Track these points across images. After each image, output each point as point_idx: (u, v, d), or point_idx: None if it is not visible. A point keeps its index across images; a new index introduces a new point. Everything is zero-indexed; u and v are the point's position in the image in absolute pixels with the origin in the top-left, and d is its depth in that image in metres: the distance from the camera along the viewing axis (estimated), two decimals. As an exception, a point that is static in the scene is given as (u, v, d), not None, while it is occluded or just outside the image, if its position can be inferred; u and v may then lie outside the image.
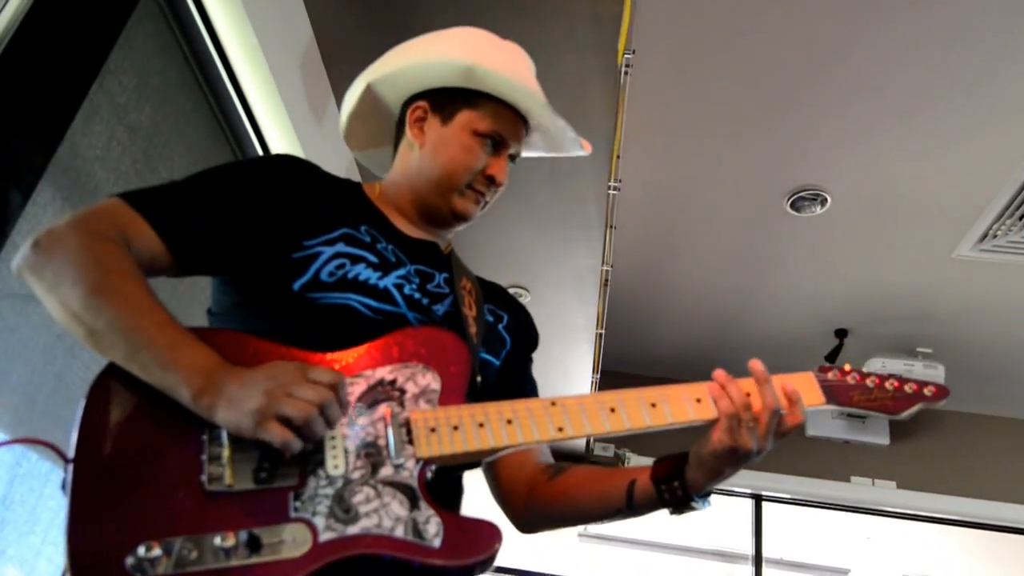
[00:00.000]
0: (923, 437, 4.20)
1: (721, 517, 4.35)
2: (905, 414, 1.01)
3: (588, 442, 3.90)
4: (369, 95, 1.23)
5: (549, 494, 1.11)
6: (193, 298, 1.87)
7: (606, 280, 2.96)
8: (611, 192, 2.55)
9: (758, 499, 4.15)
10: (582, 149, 1.27)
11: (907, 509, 4.09)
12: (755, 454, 0.95)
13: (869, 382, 1.03)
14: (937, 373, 3.61)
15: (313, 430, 0.81)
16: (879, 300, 3.49)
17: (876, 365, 3.64)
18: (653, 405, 0.95)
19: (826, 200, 2.95)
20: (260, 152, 2.25)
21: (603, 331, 3.21)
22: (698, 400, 0.96)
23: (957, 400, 4.17)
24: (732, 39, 2.33)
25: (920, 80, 2.38)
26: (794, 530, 4.61)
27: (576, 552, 4.64)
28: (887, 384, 1.03)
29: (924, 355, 3.61)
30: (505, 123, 1.15)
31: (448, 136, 1.14)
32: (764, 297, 3.60)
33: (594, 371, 3.45)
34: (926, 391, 1.02)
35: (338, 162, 2.50)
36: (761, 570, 4.02)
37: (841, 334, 3.72)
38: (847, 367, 1.03)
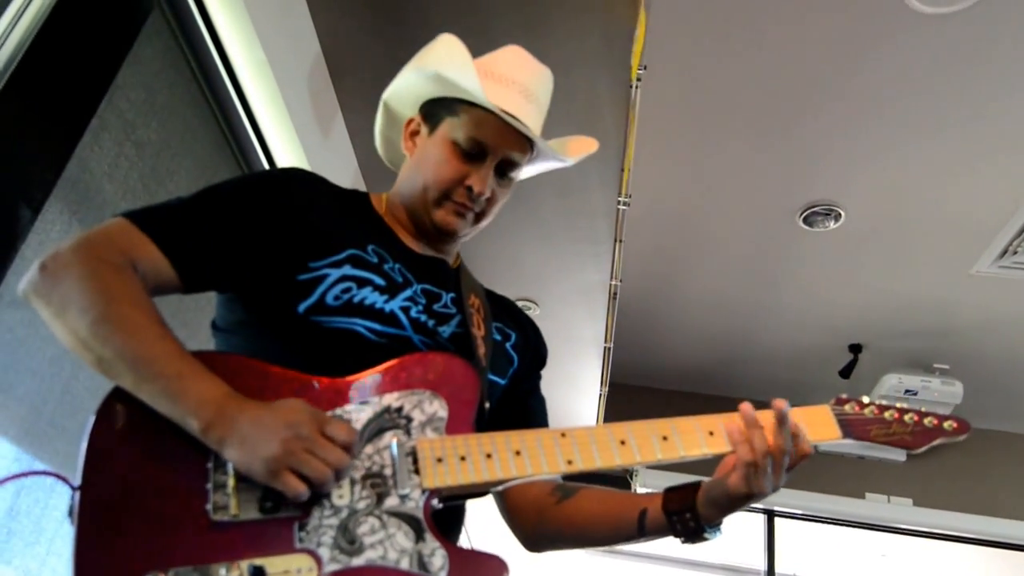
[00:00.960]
0: (940, 454, 4.10)
1: (733, 532, 4.30)
2: (924, 448, 0.99)
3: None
4: (386, 114, 1.23)
5: (558, 518, 1.09)
6: (199, 310, 1.87)
7: (615, 294, 2.95)
8: (620, 207, 2.54)
9: (771, 515, 4.10)
10: (568, 159, 1.21)
11: (923, 527, 4.04)
12: (771, 492, 0.94)
13: (888, 415, 0.99)
14: (955, 390, 3.55)
15: (325, 489, 0.81)
16: (895, 315, 3.45)
17: (892, 381, 3.59)
18: (664, 438, 0.93)
19: (840, 215, 2.92)
20: (266, 164, 2.25)
21: (611, 345, 3.19)
22: (711, 433, 0.94)
23: (975, 417, 4.09)
24: (743, 55, 2.31)
25: (938, 96, 2.35)
26: (807, 547, 4.56)
27: (585, 566, 4.62)
28: (906, 417, 1.00)
29: (941, 371, 3.56)
30: (489, 130, 1.09)
31: (430, 147, 1.12)
32: (776, 312, 3.57)
33: (602, 384, 3.43)
34: (946, 425, 0.99)
35: (344, 176, 2.50)
36: (773, 587, 3.98)
37: (856, 349, 3.67)
38: (864, 399, 1.00)
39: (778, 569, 4.05)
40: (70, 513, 0.78)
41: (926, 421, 0.99)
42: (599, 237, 2.73)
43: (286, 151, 2.27)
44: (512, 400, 1.16)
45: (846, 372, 3.61)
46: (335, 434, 0.82)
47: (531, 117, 1.13)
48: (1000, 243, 2.92)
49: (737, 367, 3.83)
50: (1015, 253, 2.97)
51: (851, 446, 3.81)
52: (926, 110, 2.42)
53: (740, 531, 4.25)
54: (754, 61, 2.33)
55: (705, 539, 0.98)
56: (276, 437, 0.79)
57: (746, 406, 0.94)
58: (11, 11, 1.31)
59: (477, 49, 1.16)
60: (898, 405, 1.01)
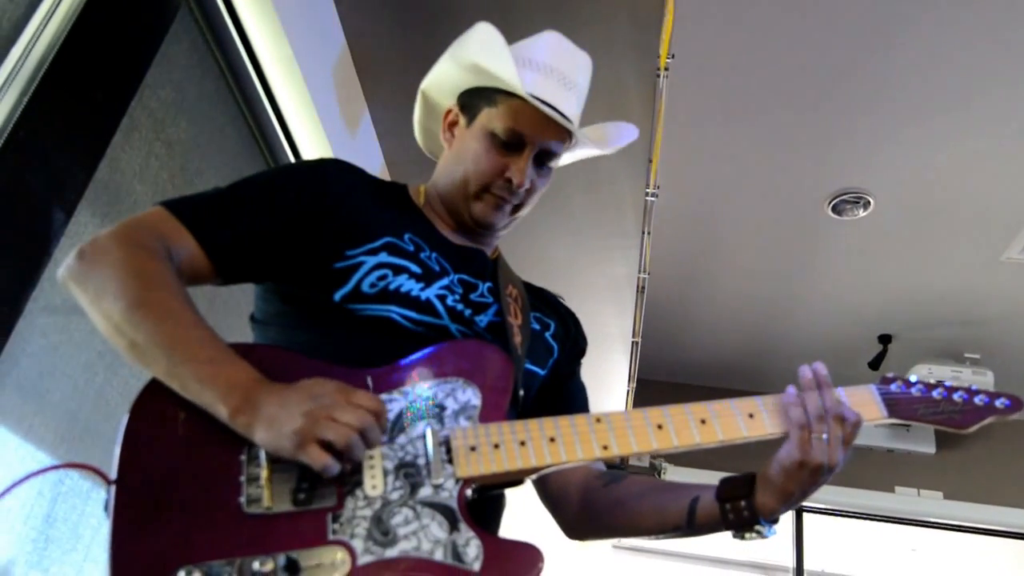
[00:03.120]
0: (971, 446, 4.10)
1: (761, 528, 4.29)
2: (973, 428, 0.94)
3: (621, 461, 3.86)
4: (424, 104, 1.21)
5: (604, 502, 1.07)
6: (232, 309, 1.87)
7: (642, 288, 2.93)
8: (648, 199, 2.52)
9: (799, 510, 4.07)
10: (624, 138, 1.20)
11: (954, 520, 4.00)
12: (826, 470, 0.89)
13: (936, 394, 0.95)
14: (986, 380, 3.51)
15: (353, 454, 0.80)
16: (924, 305, 3.43)
17: (922, 371, 3.55)
18: (703, 421, 0.90)
19: (869, 203, 2.89)
20: (294, 161, 2.25)
21: (639, 340, 3.17)
22: (751, 415, 0.91)
23: (1007, 408, 4.06)
24: (770, 42, 2.30)
25: (965, 79, 2.33)
26: (836, 542, 4.54)
27: (611, 563, 4.61)
28: (956, 396, 0.95)
29: (972, 360, 3.52)
30: (526, 120, 1.07)
31: (468, 139, 1.11)
32: (805, 302, 3.55)
33: (630, 380, 3.41)
34: (998, 403, 0.95)
35: (370, 171, 2.50)
36: (803, 583, 3.95)
37: (885, 340, 3.64)
38: (912, 378, 0.96)
39: (807, 565, 4.01)
40: (106, 507, 0.79)
41: (977, 399, 0.95)
42: (627, 230, 2.71)
43: (313, 147, 2.27)
44: (552, 389, 1.15)
45: (875, 363, 3.57)
46: (360, 400, 0.81)
47: (570, 105, 1.11)
48: (1031, 230, 2.89)
49: (765, 361, 3.81)
50: (1047, 239, 2.94)
51: (881, 437, 3.76)
52: (954, 94, 2.40)
53: (768, 527, 4.24)
54: (780, 48, 2.31)
55: (758, 533, 0.93)
56: (299, 410, 0.79)
57: (804, 368, 0.92)
58: (41, 12, 1.32)
59: (505, 37, 1.14)
60: (947, 383, 0.96)
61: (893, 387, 0.96)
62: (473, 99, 1.12)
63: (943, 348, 3.59)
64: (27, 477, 0.83)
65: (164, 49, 1.64)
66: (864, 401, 0.94)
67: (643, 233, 2.68)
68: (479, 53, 1.08)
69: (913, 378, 0.96)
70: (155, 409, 0.84)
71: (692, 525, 0.97)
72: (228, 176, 2.01)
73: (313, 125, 2.19)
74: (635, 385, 3.45)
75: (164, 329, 0.85)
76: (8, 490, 0.80)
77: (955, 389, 0.96)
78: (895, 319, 3.52)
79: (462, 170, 1.09)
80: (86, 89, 1.40)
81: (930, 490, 4.00)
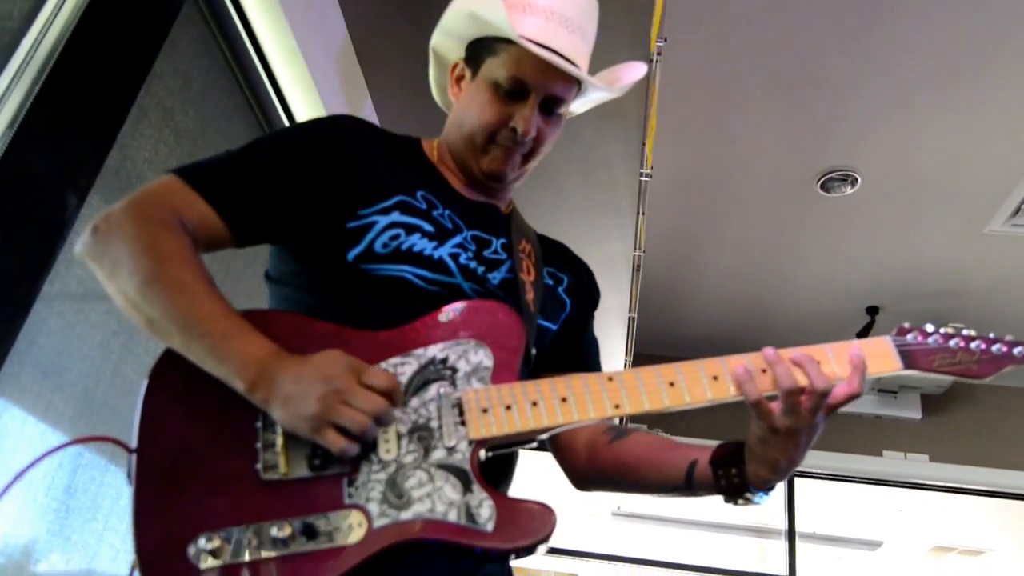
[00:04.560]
0: (955, 411, 4.20)
1: (753, 493, 4.39)
2: (991, 377, 0.91)
3: (622, 419, 3.95)
4: (435, 63, 1.19)
5: (609, 458, 1.07)
6: (248, 266, 1.90)
7: (638, 265, 3.00)
8: (643, 180, 2.57)
9: (791, 475, 4.19)
10: (632, 76, 1.14)
11: (939, 481, 4.11)
12: (803, 434, 0.87)
13: (953, 343, 0.92)
14: (970, 348, 3.59)
15: (368, 437, 0.81)
16: (911, 277, 3.50)
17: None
18: (715, 378, 0.89)
19: (856, 180, 2.95)
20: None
21: (635, 315, 3.25)
22: (764, 371, 0.88)
23: (989, 374, 4.17)
24: (758, 26, 2.33)
25: (949, 56, 2.38)
26: (827, 505, 4.63)
27: (610, 530, 4.71)
28: (973, 345, 0.91)
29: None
30: (529, 67, 1.03)
31: (473, 91, 1.08)
32: (795, 277, 3.61)
33: (626, 354, 3.49)
34: (1016, 352, 0.91)
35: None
36: (794, 545, 4.06)
37: (872, 311, 3.72)
38: (929, 328, 0.93)
39: (798, 527, 4.12)
40: (128, 476, 0.81)
41: (994, 348, 0.91)
42: (622, 210, 2.77)
43: (318, 136, 2.31)
44: (565, 343, 1.14)
45: (863, 334, 3.66)
46: (374, 382, 0.82)
47: (575, 48, 1.06)
48: (1013, 201, 2.96)
49: (758, 334, 3.88)
50: (1029, 211, 3.00)
51: (869, 404, 3.85)
52: (937, 74, 2.45)
53: (761, 492, 4.34)
54: (769, 32, 2.35)
55: (748, 500, 0.94)
56: (315, 394, 0.80)
57: (767, 349, 0.89)
58: (50, 5, 1.34)
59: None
60: (964, 332, 0.92)
61: (909, 337, 0.92)
62: (477, 51, 1.09)
63: (928, 318, 3.56)
64: (51, 451, 0.86)
65: (171, 39, 1.66)
66: (881, 352, 0.91)
67: (638, 213, 2.74)
68: (473, 1, 1.06)
69: (930, 328, 0.93)
70: (171, 379, 0.85)
71: (691, 486, 0.98)
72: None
73: (316, 114, 2.23)
74: (632, 359, 3.53)
75: (178, 304, 0.85)
76: (34, 463, 0.83)
77: (972, 338, 0.92)
78: (882, 291, 3.60)
79: (468, 123, 1.08)
80: (96, 79, 1.42)
81: (916, 453, 4.11)
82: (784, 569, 4.03)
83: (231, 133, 2.05)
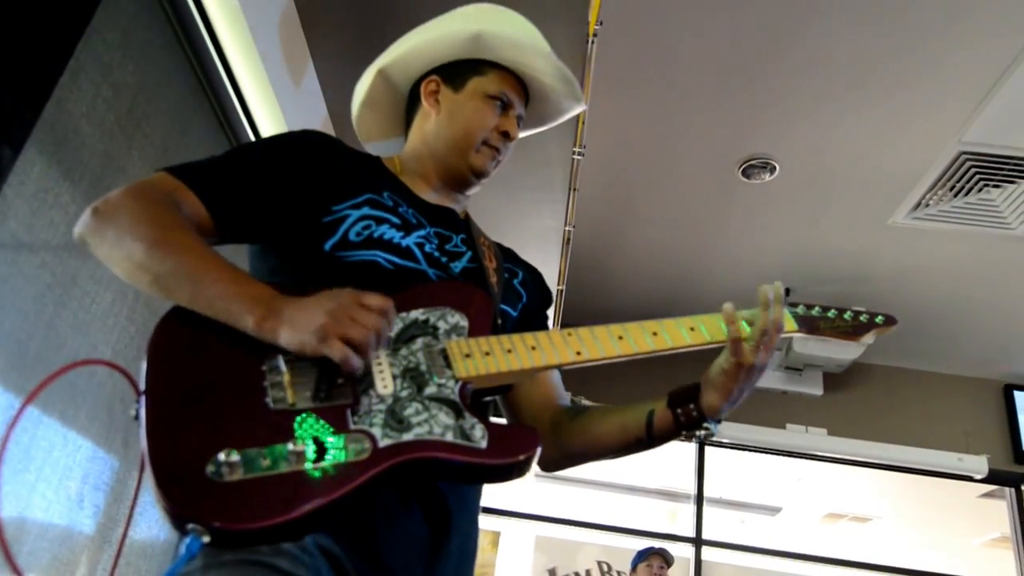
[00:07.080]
0: (853, 388, 4.48)
1: (666, 460, 4.59)
2: (864, 339, 1.17)
3: (573, 401, 4.06)
4: (380, 82, 1.31)
5: (573, 432, 1.17)
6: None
7: (568, 239, 3.10)
8: (575, 157, 2.66)
9: (701, 443, 4.40)
10: (581, 103, 1.34)
11: (836, 453, 4.36)
12: (759, 370, 1.04)
13: (831, 314, 1.17)
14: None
15: (369, 352, 0.90)
16: (820, 262, 3.69)
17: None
18: (655, 333, 1.06)
19: (775, 168, 3.11)
20: (239, 109, 2.30)
21: (564, 288, 3.36)
22: (692, 328, 1.08)
23: (884, 355, 4.45)
24: (692, 16, 2.43)
25: (863, 56, 2.53)
26: (733, 472, 4.91)
27: (533, 491, 4.88)
28: (846, 315, 1.17)
29: (858, 313, 3.84)
30: (510, 86, 1.25)
31: (461, 101, 1.24)
32: (716, 257, 3.77)
33: (555, 325, 3.61)
34: (878, 319, 1.18)
35: (314, 120, 2.56)
36: (702, 508, 4.28)
37: (785, 293, 3.92)
38: (812, 303, 1.18)
39: (706, 492, 4.35)
40: (136, 417, 0.85)
41: (862, 317, 1.18)
42: (555, 186, 2.86)
43: (259, 97, 2.31)
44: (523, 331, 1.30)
45: (775, 313, 3.87)
46: (372, 302, 0.92)
47: (558, 75, 1.28)
48: (915, 196, 3.16)
49: (679, 308, 4.01)
50: (927, 206, 3.21)
51: (776, 380, 4.08)
52: (852, 74, 2.59)
53: (673, 458, 4.53)
54: (702, 23, 2.45)
55: (707, 430, 1.07)
56: (321, 310, 0.89)
57: (728, 305, 1.06)
58: None
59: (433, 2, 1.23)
60: (837, 307, 1.18)
61: (799, 308, 1.17)
62: (458, 70, 1.25)
63: (834, 302, 3.75)
64: (50, 379, 0.91)
65: (110, -7, 1.64)
66: (786, 318, 1.11)
67: (570, 189, 2.83)
68: (484, 24, 1.23)
69: (813, 303, 1.19)
70: (178, 331, 0.91)
71: (651, 436, 1.10)
72: (175, 122, 2.06)
73: (258, 75, 2.23)
74: (559, 329, 3.65)
75: (186, 259, 0.94)
76: (39, 388, 0.89)
77: (845, 310, 1.18)
78: (794, 274, 3.78)
79: (462, 127, 1.23)
80: (32, 32, 1.42)
81: (816, 427, 4.34)
82: (692, 531, 4.24)
83: (171, 92, 2.03)
